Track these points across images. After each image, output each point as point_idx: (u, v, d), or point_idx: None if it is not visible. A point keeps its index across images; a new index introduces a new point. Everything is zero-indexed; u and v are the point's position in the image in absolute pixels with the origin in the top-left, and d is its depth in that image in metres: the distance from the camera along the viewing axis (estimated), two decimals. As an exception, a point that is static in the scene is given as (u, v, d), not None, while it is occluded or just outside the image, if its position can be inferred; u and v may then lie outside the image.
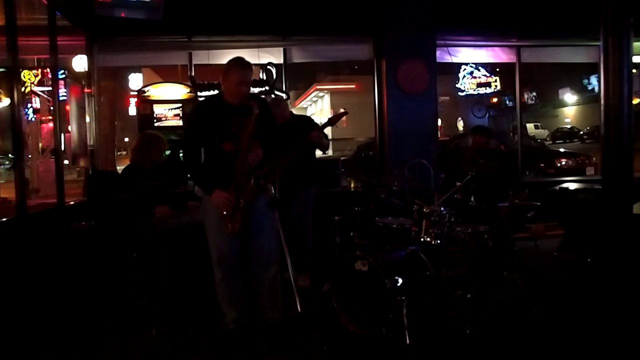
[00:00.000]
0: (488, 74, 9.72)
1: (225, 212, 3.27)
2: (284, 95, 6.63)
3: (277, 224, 3.06)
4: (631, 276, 4.27)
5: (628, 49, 4.63)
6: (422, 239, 3.68)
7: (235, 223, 3.28)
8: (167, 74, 10.29)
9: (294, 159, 4.42)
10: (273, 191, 3.13)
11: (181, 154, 5.81)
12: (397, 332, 3.26)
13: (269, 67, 6.61)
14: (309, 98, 30.70)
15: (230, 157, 3.25)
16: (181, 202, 4.22)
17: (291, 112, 5.00)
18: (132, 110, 12.47)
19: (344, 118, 4.87)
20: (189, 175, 5.29)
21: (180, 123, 6.26)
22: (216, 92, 6.44)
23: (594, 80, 25.04)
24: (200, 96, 6.41)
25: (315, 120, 5.29)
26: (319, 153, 5.04)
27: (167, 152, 4.77)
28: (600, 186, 5.05)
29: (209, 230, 3.43)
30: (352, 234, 4.08)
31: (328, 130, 4.84)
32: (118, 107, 11.77)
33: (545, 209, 4.36)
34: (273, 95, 6.41)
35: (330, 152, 7.12)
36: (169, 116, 6.31)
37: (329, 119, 4.80)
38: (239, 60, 3.34)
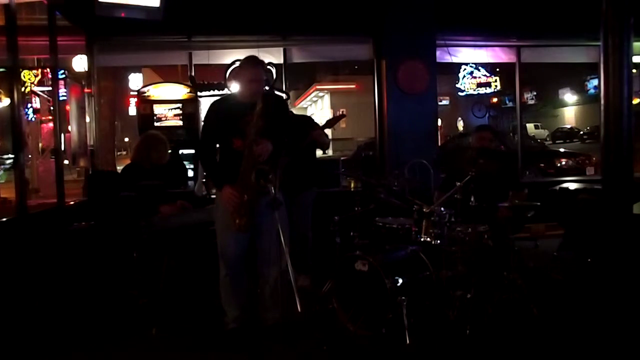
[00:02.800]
0: (488, 74, 9.73)
1: (232, 208, 3.30)
2: (284, 95, 6.63)
3: (277, 224, 3.06)
4: (631, 276, 4.27)
5: (628, 49, 4.62)
6: (422, 239, 3.68)
7: (241, 219, 3.30)
8: (167, 74, 10.31)
9: (294, 159, 4.41)
10: (273, 191, 3.13)
11: (181, 153, 5.87)
12: (397, 332, 3.26)
13: (269, 67, 6.61)
14: (309, 98, 30.73)
15: (240, 154, 3.29)
16: (173, 201, 4.22)
17: (291, 112, 5.00)
18: (132, 110, 12.49)
19: (342, 119, 4.88)
20: (190, 176, 5.32)
21: (180, 123, 6.26)
22: (216, 92, 6.47)
23: (593, 82, 25.06)
24: (201, 96, 6.42)
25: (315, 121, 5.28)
26: (319, 153, 5.04)
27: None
28: (600, 186, 5.05)
29: (217, 225, 3.50)
30: (352, 234, 4.08)
31: (327, 130, 4.85)
32: (118, 107, 11.78)
33: (545, 209, 4.36)
34: (285, 96, 6.43)
35: (330, 152, 7.13)
36: (169, 116, 6.31)
37: (327, 121, 4.80)
38: (250, 59, 3.42)
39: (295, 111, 5.79)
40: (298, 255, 4.41)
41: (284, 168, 4.21)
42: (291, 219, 4.58)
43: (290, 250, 3.04)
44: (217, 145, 3.49)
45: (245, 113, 3.29)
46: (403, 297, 3.28)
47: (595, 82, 24.40)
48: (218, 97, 3.74)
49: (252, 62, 3.39)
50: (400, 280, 3.39)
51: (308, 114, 23.68)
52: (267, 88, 6.49)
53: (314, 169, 4.86)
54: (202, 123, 3.60)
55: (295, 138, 4.41)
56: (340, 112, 5.72)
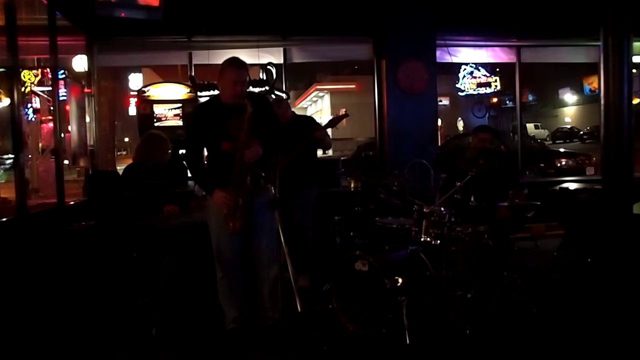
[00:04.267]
0: (488, 74, 9.70)
1: (225, 211, 3.29)
2: (284, 95, 6.63)
3: (277, 224, 3.06)
4: (631, 276, 4.27)
5: (628, 49, 4.64)
6: (422, 239, 3.68)
7: (236, 221, 3.30)
8: (167, 74, 10.30)
9: (296, 158, 4.42)
10: (273, 191, 3.13)
11: (181, 152, 5.87)
12: (397, 332, 3.26)
13: (269, 67, 6.61)
14: (309, 98, 30.71)
15: (229, 157, 3.28)
16: (183, 201, 4.22)
17: (293, 112, 5.00)
18: (132, 110, 12.47)
19: (345, 119, 4.88)
20: (189, 176, 5.32)
21: (180, 123, 6.26)
22: (216, 92, 6.46)
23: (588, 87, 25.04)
24: (201, 96, 6.42)
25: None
26: (319, 153, 5.04)
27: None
28: (600, 186, 5.05)
29: (211, 229, 3.48)
30: (352, 234, 4.08)
31: (328, 130, 4.84)
32: (118, 107, 11.77)
33: (545, 209, 4.36)
34: (274, 95, 6.42)
35: (330, 152, 7.13)
36: (169, 116, 6.31)
37: (330, 120, 4.79)
38: (233, 60, 3.38)
39: (295, 111, 5.78)
40: (298, 255, 4.41)
41: (285, 167, 4.23)
42: (292, 218, 4.58)
43: (290, 250, 3.04)
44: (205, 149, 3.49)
45: (230, 115, 3.28)
46: (403, 297, 3.28)
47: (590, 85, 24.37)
48: (202, 101, 3.74)
49: (235, 64, 3.35)
50: (400, 280, 3.39)
51: (308, 114, 23.72)
52: (267, 88, 6.52)
53: (316, 168, 4.86)
54: (187, 127, 3.59)
55: (295, 137, 4.42)
56: (344, 112, 5.72)
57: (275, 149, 3.51)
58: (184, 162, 3.62)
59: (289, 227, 4.42)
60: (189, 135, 3.56)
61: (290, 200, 4.55)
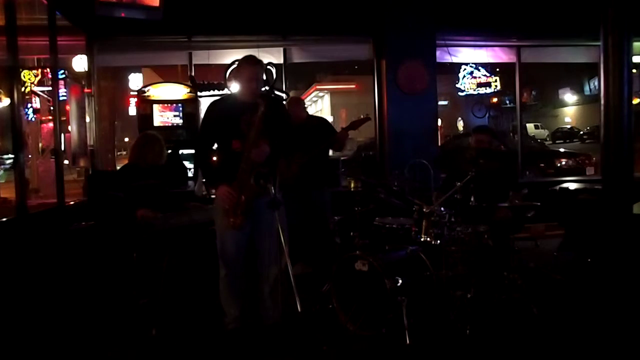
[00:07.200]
0: (488, 74, 9.69)
1: (227, 207, 3.30)
2: (284, 95, 6.63)
3: (277, 224, 3.07)
4: (631, 276, 4.27)
5: (628, 49, 4.63)
6: (422, 239, 3.68)
7: (236, 218, 3.31)
8: (167, 74, 10.29)
9: (313, 158, 4.46)
10: (273, 191, 3.14)
11: (180, 152, 5.87)
12: (397, 332, 3.26)
13: (269, 67, 6.61)
14: (309, 98, 30.67)
15: (239, 155, 3.30)
16: (180, 202, 4.22)
17: (307, 112, 5.04)
18: (132, 110, 12.47)
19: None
20: (190, 176, 5.33)
21: (181, 122, 6.26)
22: (216, 92, 6.47)
23: (591, 84, 25.05)
24: (201, 96, 6.42)
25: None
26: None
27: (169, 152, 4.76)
28: (600, 186, 5.05)
29: (216, 225, 3.50)
30: (352, 234, 4.08)
31: None
32: (118, 107, 11.77)
33: (545, 209, 4.36)
34: (284, 95, 6.46)
35: (330, 152, 7.15)
36: (169, 116, 6.31)
37: (352, 122, 4.75)
38: (248, 58, 3.45)
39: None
40: (316, 250, 4.51)
41: (300, 167, 4.26)
42: (319, 216, 4.62)
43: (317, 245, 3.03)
44: (215, 145, 3.50)
45: (244, 113, 3.30)
46: (403, 297, 3.28)
47: (592, 84, 24.37)
48: (217, 97, 3.76)
49: (250, 61, 3.41)
50: (400, 280, 3.39)
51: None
52: (267, 88, 6.51)
53: (329, 168, 4.89)
54: (201, 121, 3.62)
55: (309, 138, 4.50)
56: (365, 115, 5.72)
57: (283, 151, 3.52)
58: (195, 155, 3.67)
59: (314, 225, 4.46)
60: (202, 130, 3.59)
61: (308, 200, 4.61)
